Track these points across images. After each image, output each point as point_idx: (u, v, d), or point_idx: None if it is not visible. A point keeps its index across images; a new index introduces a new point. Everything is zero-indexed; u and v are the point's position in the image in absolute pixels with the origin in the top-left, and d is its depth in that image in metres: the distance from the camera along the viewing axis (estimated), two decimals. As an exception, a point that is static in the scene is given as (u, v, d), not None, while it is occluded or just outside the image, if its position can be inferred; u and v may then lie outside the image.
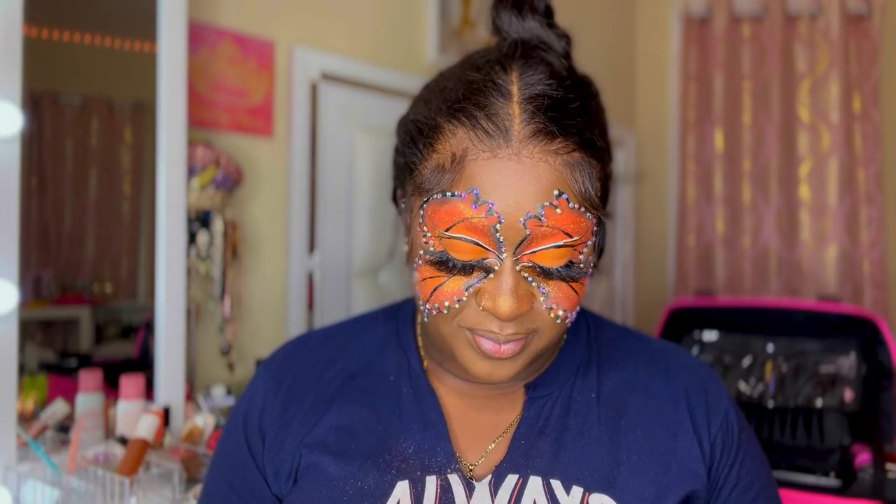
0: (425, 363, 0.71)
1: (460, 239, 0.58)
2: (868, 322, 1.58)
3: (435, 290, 0.61)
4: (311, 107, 1.52)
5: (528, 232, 0.57)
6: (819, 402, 1.54)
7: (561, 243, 0.58)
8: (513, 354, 0.61)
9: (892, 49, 2.55)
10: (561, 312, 0.61)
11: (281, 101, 1.49)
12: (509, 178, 0.57)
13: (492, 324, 0.60)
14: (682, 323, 1.74)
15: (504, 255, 0.58)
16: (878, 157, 2.51)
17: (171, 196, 1.20)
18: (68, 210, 1.26)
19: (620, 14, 2.77)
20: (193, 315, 1.33)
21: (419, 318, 0.74)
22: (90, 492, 0.92)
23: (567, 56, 0.71)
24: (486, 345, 0.61)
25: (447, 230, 0.59)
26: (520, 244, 0.58)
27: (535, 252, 0.58)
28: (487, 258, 0.59)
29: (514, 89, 0.61)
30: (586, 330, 0.75)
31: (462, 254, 0.59)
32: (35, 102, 1.17)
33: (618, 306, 2.72)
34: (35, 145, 1.17)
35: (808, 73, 2.55)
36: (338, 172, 1.57)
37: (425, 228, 0.61)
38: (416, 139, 0.64)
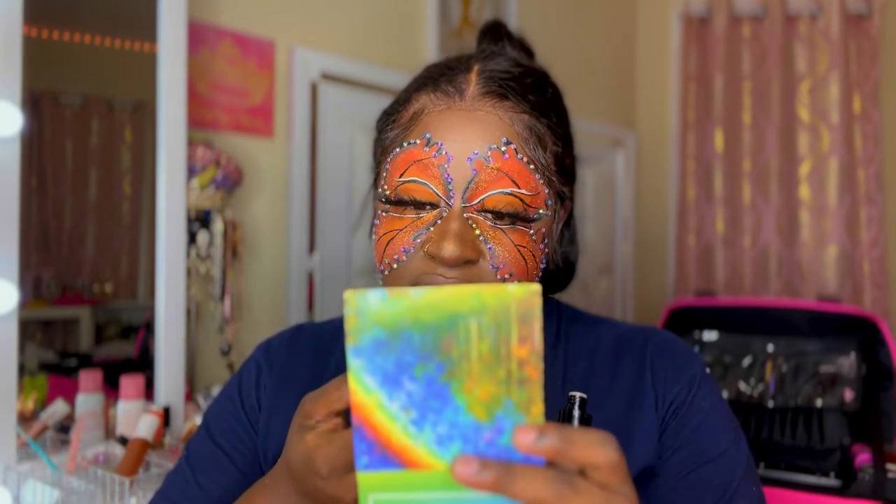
0: None
1: (412, 182, 0.61)
2: (868, 322, 1.58)
3: (388, 243, 0.62)
4: (311, 107, 1.52)
5: (474, 171, 0.59)
6: (819, 402, 1.54)
7: (507, 190, 0.60)
8: None
9: (892, 49, 2.55)
10: (507, 276, 0.61)
11: (281, 102, 1.49)
12: (459, 125, 0.61)
13: (436, 270, 0.60)
14: (682, 323, 1.74)
15: (453, 201, 0.60)
16: (878, 157, 2.51)
17: (171, 196, 1.20)
18: (68, 210, 1.26)
19: (620, 14, 2.77)
20: (193, 315, 1.33)
21: None
22: (90, 492, 0.92)
23: (531, 56, 0.77)
24: None
25: (401, 175, 0.61)
26: (467, 188, 0.60)
27: (481, 199, 0.60)
28: (438, 204, 0.61)
29: (475, 64, 0.66)
30: (556, 321, 0.74)
31: (415, 196, 0.62)
32: (35, 102, 1.17)
33: (618, 306, 2.72)
34: (35, 145, 1.17)
35: (808, 73, 2.55)
36: (338, 172, 1.57)
37: (385, 186, 0.63)
38: (387, 116, 0.69)
